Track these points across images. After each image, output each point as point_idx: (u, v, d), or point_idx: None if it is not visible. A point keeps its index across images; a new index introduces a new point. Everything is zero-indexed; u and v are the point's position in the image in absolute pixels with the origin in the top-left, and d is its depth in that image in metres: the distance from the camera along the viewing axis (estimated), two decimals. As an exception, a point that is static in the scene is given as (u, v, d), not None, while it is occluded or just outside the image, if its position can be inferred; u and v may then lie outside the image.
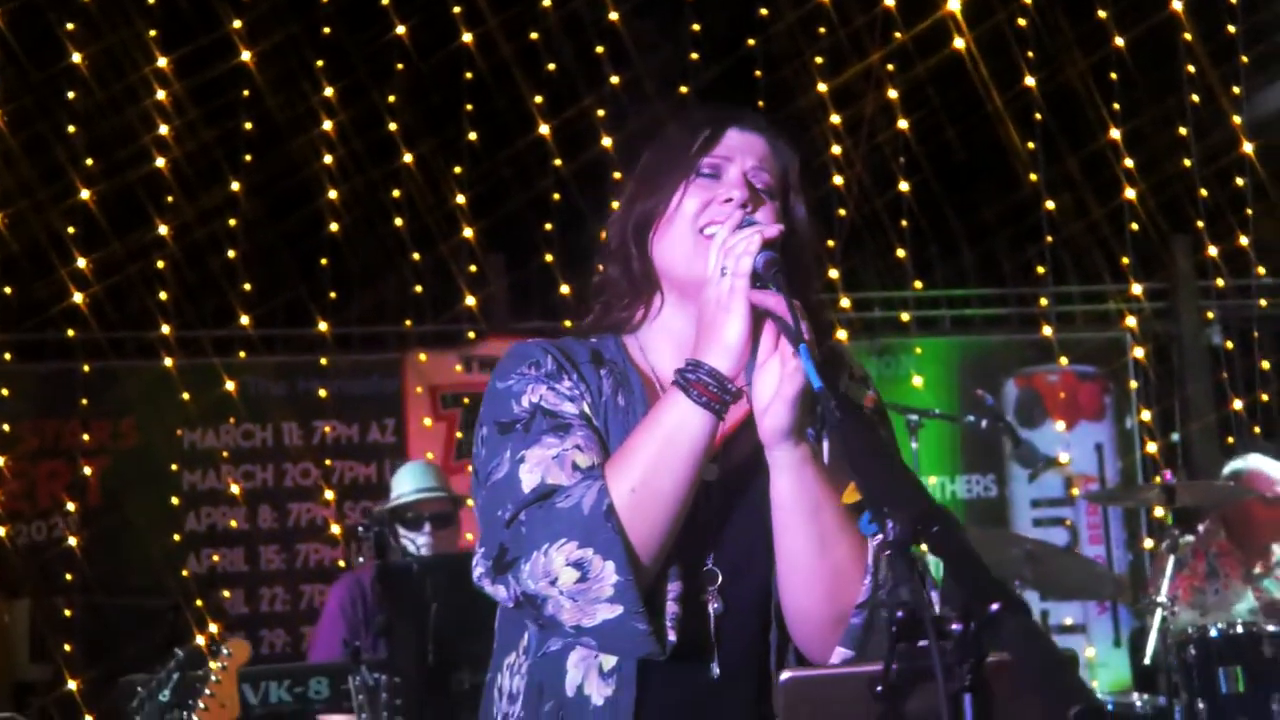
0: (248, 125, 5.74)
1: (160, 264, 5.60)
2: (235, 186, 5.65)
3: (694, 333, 1.52)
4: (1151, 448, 6.19)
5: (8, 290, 5.53)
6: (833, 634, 1.47)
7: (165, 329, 5.62)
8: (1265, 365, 5.95)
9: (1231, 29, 6.04)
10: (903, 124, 5.90)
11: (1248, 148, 5.91)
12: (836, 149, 5.74)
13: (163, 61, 5.48)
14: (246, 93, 5.69)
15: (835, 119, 5.75)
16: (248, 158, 5.73)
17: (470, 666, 3.50)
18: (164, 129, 5.51)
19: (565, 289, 5.93)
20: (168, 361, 5.61)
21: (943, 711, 0.90)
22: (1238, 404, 6.01)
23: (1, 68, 5.40)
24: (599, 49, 5.96)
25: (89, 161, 5.54)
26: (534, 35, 5.96)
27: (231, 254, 5.75)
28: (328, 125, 5.69)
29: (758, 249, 1.43)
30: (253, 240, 5.78)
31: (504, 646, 1.61)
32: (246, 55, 5.56)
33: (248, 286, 5.80)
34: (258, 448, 5.98)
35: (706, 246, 1.52)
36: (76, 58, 5.44)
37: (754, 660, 1.53)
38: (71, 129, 5.55)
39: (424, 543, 3.94)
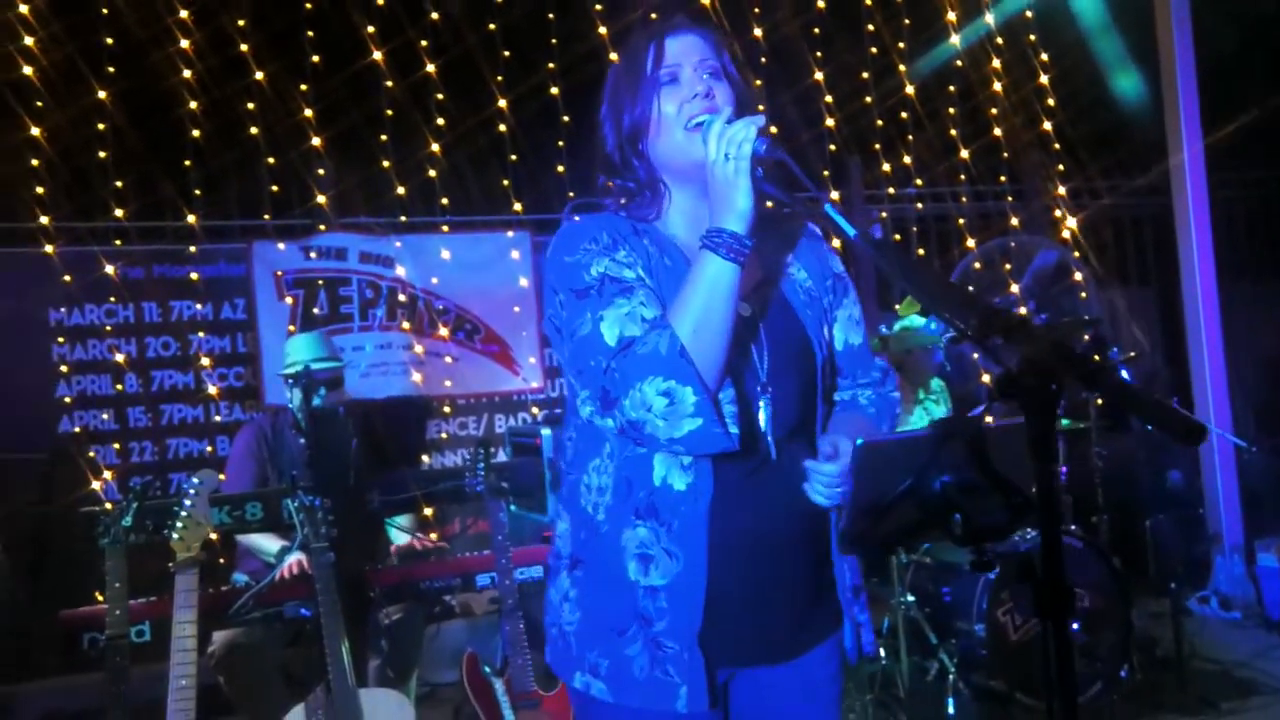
0: (110, 40, 5.19)
1: (36, 162, 5.03)
2: (103, 95, 5.11)
3: (700, 206, 1.55)
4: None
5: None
6: None
7: (44, 219, 5.09)
8: (921, 251, 6.44)
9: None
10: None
11: (909, 90, 6.31)
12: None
13: (28, -22, 4.86)
14: (107, 10, 5.13)
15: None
16: (113, 70, 5.20)
17: (378, 489, 3.48)
18: (30, 40, 4.91)
19: (401, 190, 5.75)
20: (47, 248, 5.11)
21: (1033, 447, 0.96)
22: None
23: None
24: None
25: (-39, 68, 4.88)
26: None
27: (103, 154, 5.23)
28: (185, 44, 5.22)
29: (754, 136, 1.45)
30: (123, 145, 5.27)
31: (584, 454, 1.60)
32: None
33: (119, 184, 5.31)
34: (121, 324, 5.58)
35: (694, 136, 1.53)
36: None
37: (797, 442, 1.59)
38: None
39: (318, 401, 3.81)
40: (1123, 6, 6.00)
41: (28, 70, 4.90)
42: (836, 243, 1.75)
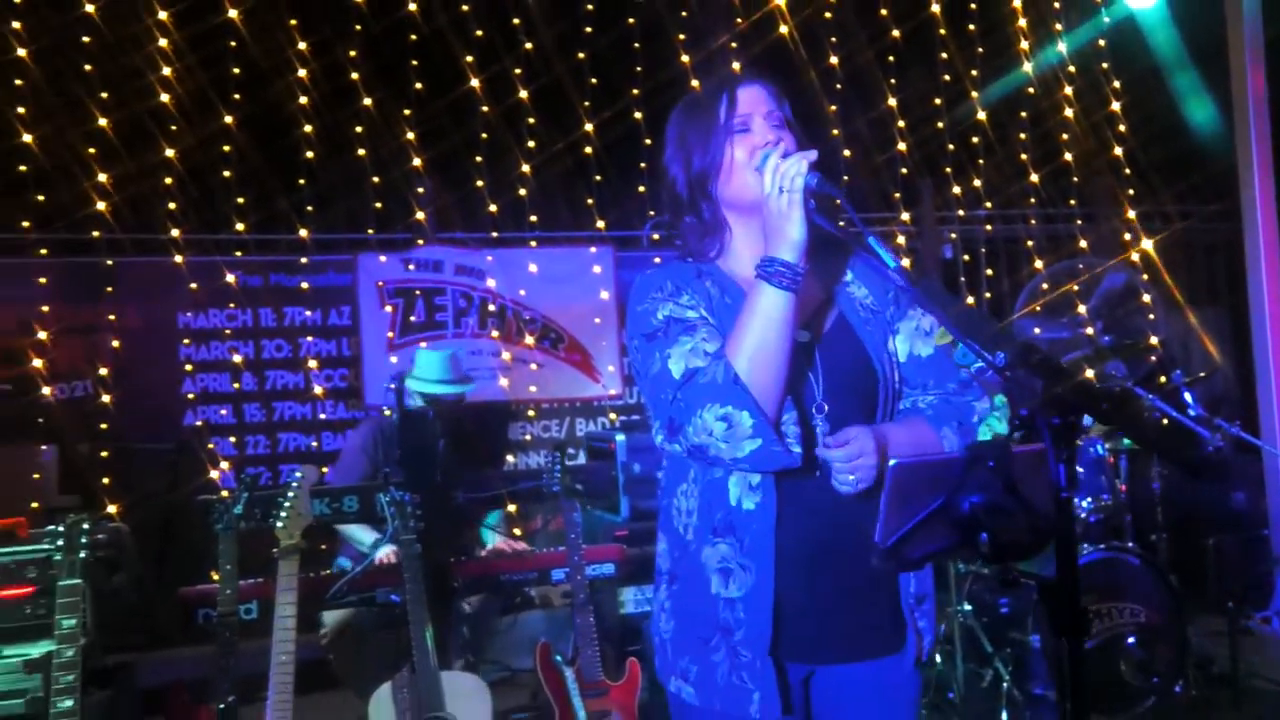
0: (236, 69, 5.44)
1: (169, 181, 5.30)
2: (229, 119, 5.35)
3: (761, 242, 1.58)
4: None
5: (42, 198, 5.16)
6: None
7: (175, 232, 5.35)
8: (990, 272, 6.33)
9: (971, 28, 6.32)
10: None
11: (981, 116, 6.23)
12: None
13: (163, 15, 5.11)
14: (235, 43, 5.37)
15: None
16: (237, 96, 5.44)
17: (463, 488, 3.58)
18: (167, 70, 5.18)
19: (493, 208, 5.89)
20: (177, 258, 5.37)
21: (1054, 471, 0.98)
22: (970, 299, 6.40)
23: (29, 15, 4.96)
24: (515, 20, 5.87)
25: (104, 95, 5.16)
26: (464, 8, 5.81)
27: (226, 174, 5.48)
28: (303, 73, 5.44)
29: (806, 169, 1.49)
30: (244, 163, 5.52)
31: (674, 480, 1.67)
32: (234, 12, 5.24)
33: (240, 200, 5.56)
34: (240, 328, 5.80)
35: (762, 178, 1.57)
36: (89, 8, 5.04)
37: None
38: (89, 67, 5.16)
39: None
40: (1196, 35, 5.83)
41: (165, 98, 5.16)
42: (905, 261, 1.76)
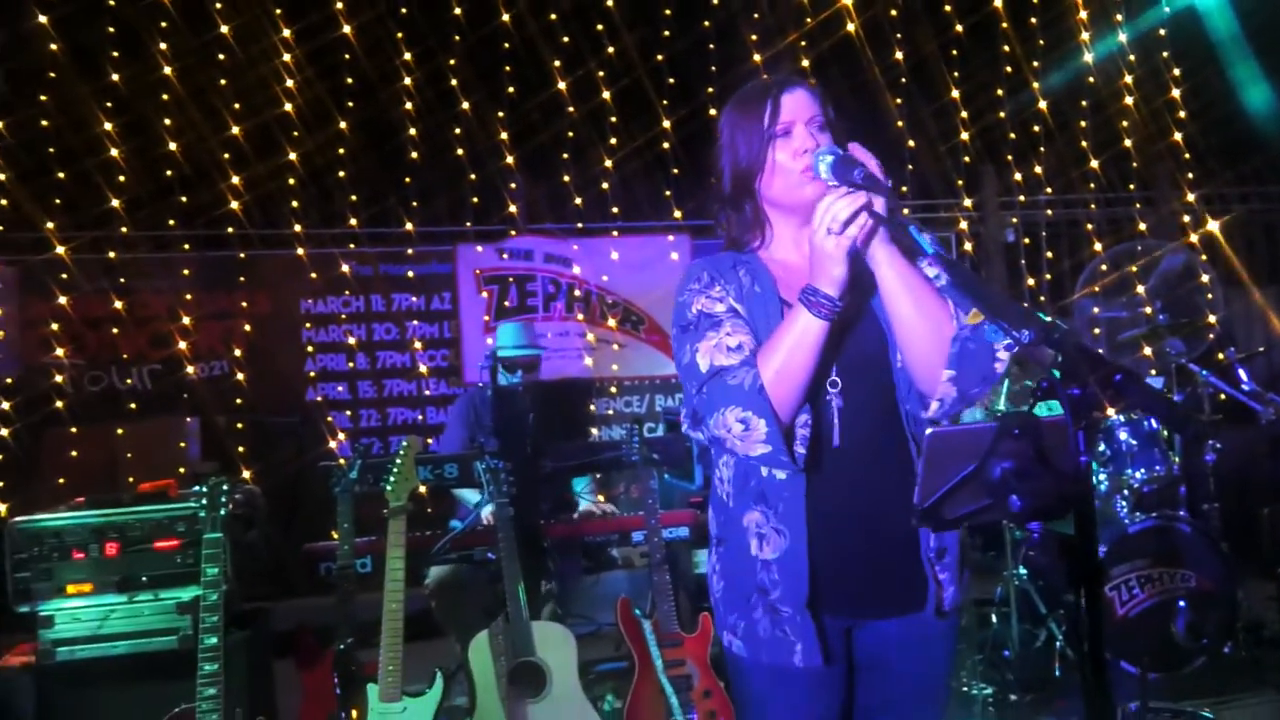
0: (349, 80, 5.63)
1: (292, 181, 5.52)
2: (343, 125, 5.55)
3: (800, 234, 1.60)
4: (972, 310, 6.39)
5: (185, 199, 5.43)
6: (940, 361, 1.53)
7: (297, 227, 5.58)
8: (1050, 254, 6.18)
9: (1033, 20, 6.14)
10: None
11: (1042, 104, 6.06)
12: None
13: (286, 32, 5.32)
14: (348, 56, 5.56)
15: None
16: (350, 104, 5.63)
17: (550, 457, 3.66)
18: (290, 83, 5.39)
19: (578, 200, 5.97)
20: (299, 251, 5.60)
21: (1072, 443, 1.00)
22: (1030, 281, 6.26)
23: (172, 36, 5.22)
24: (598, 27, 5.92)
25: (236, 105, 5.40)
26: (552, 16, 5.89)
27: (341, 174, 5.69)
28: (408, 81, 5.61)
29: (858, 216, 1.46)
30: (356, 164, 5.71)
31: (716, 455, 1.70)
32: (348, 29, 5.42)
33: (354, 198, 5.76)
34: (353, 313, 6.00)
35: (805, 178, 1.58)
36: (224, 29, 5.27)
37: (873, 435, 1.61)
38: (223, 82, 5.40)
39: (516, 380, 4.00)
40: (1254, 22, 5.57)
41: (288, 107, 5.37)
42: (968, 245, 1.75)
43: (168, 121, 5.28)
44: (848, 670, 1.66)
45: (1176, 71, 5.85)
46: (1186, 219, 5.89)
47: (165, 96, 5.24)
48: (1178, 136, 5.87)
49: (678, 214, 6.03)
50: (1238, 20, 5.59)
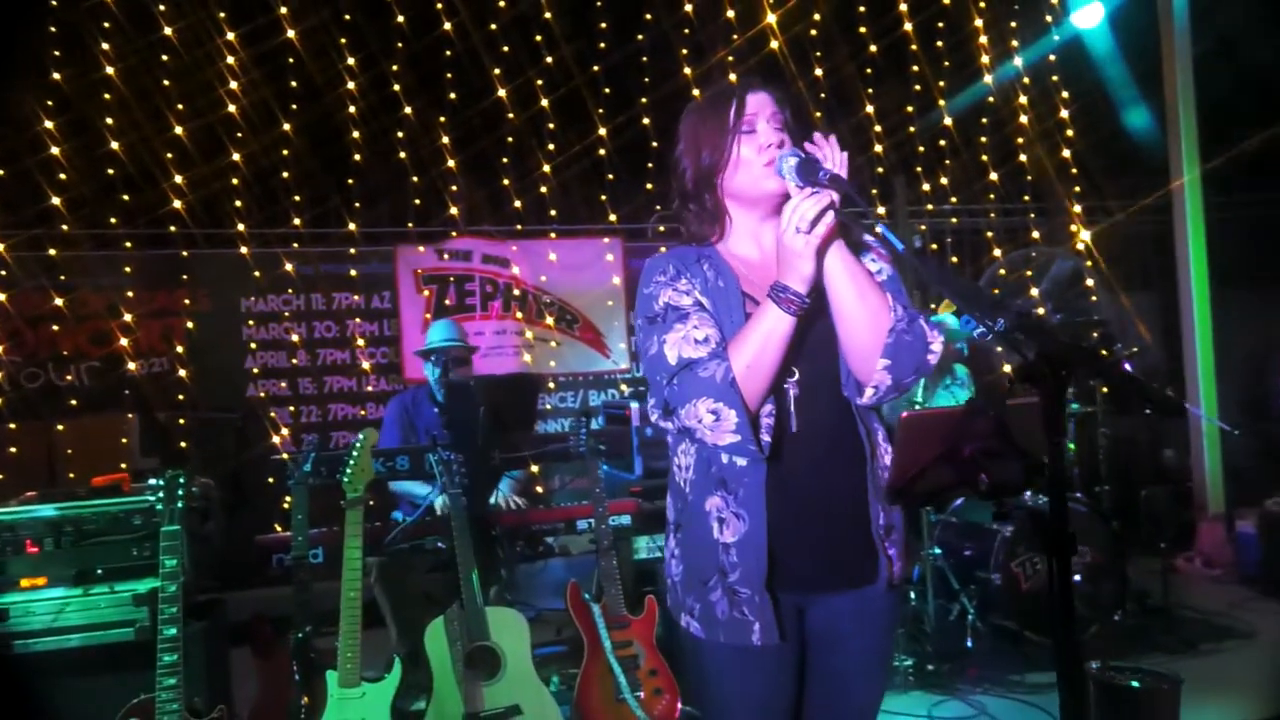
0: (294, 84, 5.43)
1: (235, 181, 5.31)
2: (288, 127, 5.35)
3: (761, 227, 1.59)
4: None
5: (127, 198, 5.17)
6: (876, 351, 1.53)
7: (240, 227, 5.36)
8: (955, 259, 6.35)
9: (939, 44, 6.31)
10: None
11: (947, 121, 6.23)
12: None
13: (231, 35, 5.11)
14: (293, 60, 5.37)
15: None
16: (295, 107, 5.44)
17: (500, 449, 3.60)
18: (234, 85, 5.18)
19: (518, 203, 5.89)
20: (243, 249, 5.38)
21: (1050, 417, 1.00)
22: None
23: (115, 37, 4.95)
24: (537, 38, 5.86)
25: (179, 106, 5.16)
26: (492, 27, 5.79)
27: (285, 175, 5.49)
28: (352, 85, 5.44)
29: (826, 215, 1.46)
30: (300, 165, 5.52)
31: (675, 443, 1.68)
32: (292, 33, 5.23)
33: (297, 198, 5.56)
34: (295, 311, 5.81)
35: (768, 172, 1.57)
36: (168, 30, 5.03)
37: (825, 421, 1.60)
38: (167, 83, 5.15)
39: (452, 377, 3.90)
40: (1134, 51, 5.84)
41: (231, 109, 5.15)
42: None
43: (110, 121, 5.02)
44: (800, 645, 1.66)
45: (1065, 94, 6.08)
46: (1074, 228, 6.13)
47: (108, 96, 4.98)
48: (1066, 154, 6.10)
49: (613, 218, 6.01)
50: (1119, 49, 5.85)
